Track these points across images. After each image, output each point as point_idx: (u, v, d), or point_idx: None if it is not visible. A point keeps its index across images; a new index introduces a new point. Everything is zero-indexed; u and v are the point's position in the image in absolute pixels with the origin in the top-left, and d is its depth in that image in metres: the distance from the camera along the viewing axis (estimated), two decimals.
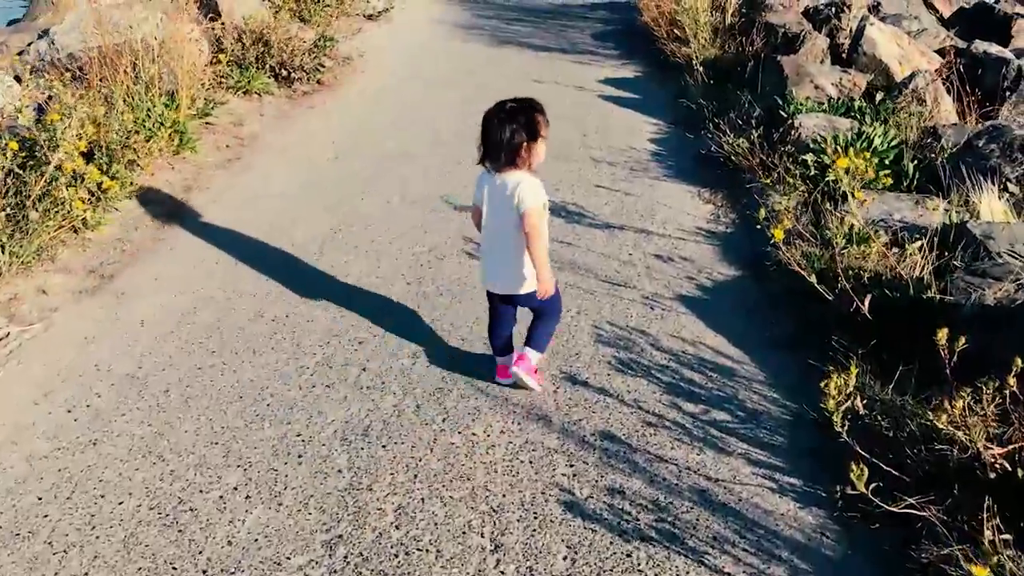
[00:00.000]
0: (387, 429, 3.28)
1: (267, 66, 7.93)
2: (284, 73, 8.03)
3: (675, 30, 8.55)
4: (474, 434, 3.25)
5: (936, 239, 4.06)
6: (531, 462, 3.10)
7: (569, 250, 4.79)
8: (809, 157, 5.19)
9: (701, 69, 7.10)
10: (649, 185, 5.77)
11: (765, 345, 3.87)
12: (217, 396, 3.50)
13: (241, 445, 3.19)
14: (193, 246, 4.86)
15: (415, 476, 3.02)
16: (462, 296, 4.28)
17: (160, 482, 3.00)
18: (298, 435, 3.25)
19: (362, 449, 3.17)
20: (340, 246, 4.85)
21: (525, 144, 3.14)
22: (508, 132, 3.12)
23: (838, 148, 5.18)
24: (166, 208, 5.34)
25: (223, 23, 8.60)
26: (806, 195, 4.99)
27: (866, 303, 3.54)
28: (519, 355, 3.47)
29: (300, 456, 3.13)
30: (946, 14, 9.81)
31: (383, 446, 3.18)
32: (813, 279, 3.67)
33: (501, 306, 3.46)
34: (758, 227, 4.32)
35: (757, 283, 4.43)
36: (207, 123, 6.93)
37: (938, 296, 3.61)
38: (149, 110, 6.08)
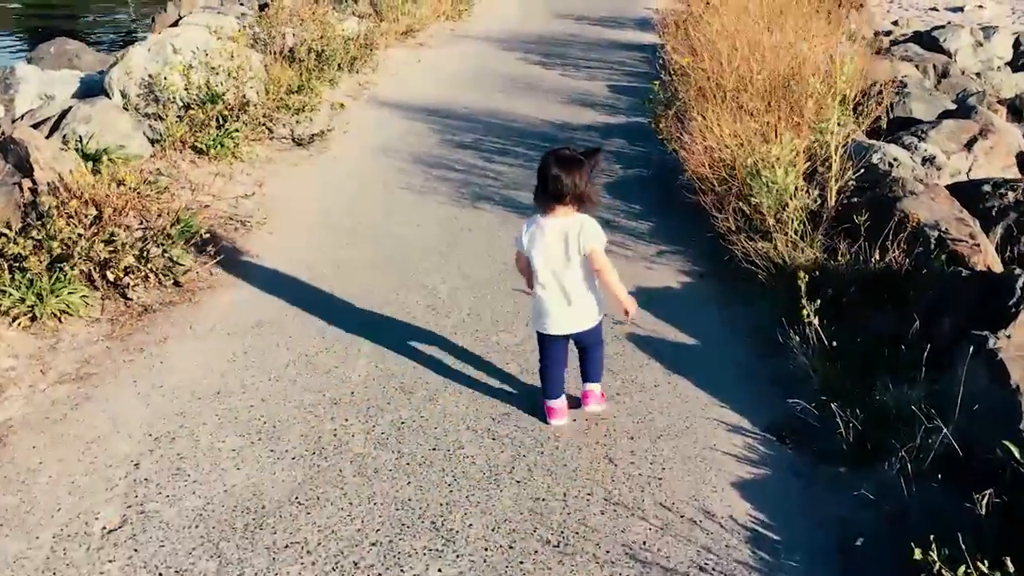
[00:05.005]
0: None
1: (82, 266, 4.82)
2: (111, 277, 4.91)
3: (742, 204, 5.45)
4: None
5: None
6: None
7: None
8: None
9: (815, 320, 3.95)
10: None
11: None
12: None
13: None
14: None
15: None
16: None
17: None
18: None
19: None
20: None
21: (587, 186, 3.38)
22: (570, 175, 3.32)
23: None
24: None
25: (33, 183, 5.49)
26: None
27: None
28: (587, 393, 3.79)
29: None
30: None
31: None
32: None
33: (559, 346, 3.64)
34: None
35: None
36: None
37: None
38: None
